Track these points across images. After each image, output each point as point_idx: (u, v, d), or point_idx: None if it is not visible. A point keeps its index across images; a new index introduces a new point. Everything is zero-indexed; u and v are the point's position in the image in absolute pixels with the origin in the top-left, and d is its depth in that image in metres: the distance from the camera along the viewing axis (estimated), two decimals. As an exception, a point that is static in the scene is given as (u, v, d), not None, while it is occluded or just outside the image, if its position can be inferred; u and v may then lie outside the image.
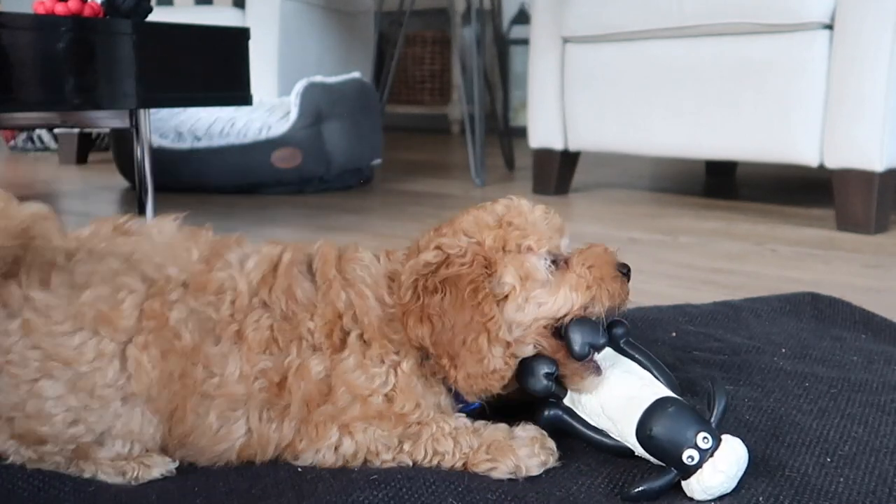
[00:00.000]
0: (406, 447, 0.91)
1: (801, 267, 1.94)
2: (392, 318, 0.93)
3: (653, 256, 2.07)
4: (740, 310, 1.49)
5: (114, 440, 0.89)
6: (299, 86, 3.18)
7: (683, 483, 0.86)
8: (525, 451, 0.89)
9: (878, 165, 2.26)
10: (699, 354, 1.28)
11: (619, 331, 0.97)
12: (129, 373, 0.87)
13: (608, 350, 0.96)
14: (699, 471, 0.84)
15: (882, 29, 2.21)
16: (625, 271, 0.96)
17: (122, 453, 0.89)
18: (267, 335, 0.91)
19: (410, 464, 0.91)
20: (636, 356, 0.97)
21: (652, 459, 0.89)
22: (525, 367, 0.93)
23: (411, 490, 0.84)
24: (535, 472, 0.89)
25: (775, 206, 2.80)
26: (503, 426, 0.93)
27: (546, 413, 0.95)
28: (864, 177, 2.29)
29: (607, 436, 0.93)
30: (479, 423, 0.93)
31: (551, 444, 0.92)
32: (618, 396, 0.92)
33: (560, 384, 0.95)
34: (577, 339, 0.91)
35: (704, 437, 0.84)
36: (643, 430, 0.87)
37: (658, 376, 0.96)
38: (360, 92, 3.41)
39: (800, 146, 2.39)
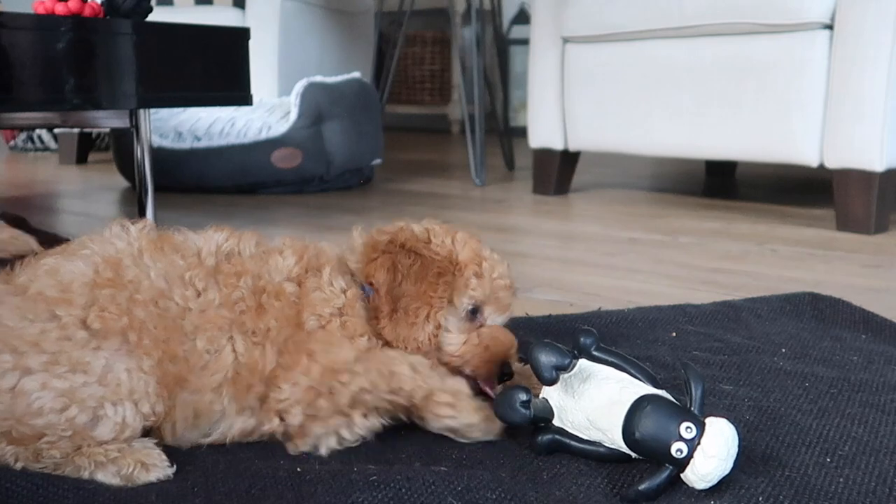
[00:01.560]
0: (359, 368, 0.94)
1: (801, 267, 1.94)
2: (344, 263, 1.06)
3: (653, 256, 2.07)
4: (740, 310, 1.49)
5: (106, 410, 0.89)
6: (299, 86, 3.18)
7: (682, 476, 0.86)
8: (481, 416, 0.96)
9: (878, 165, 2.26)
10: (699, 354, 1.28)
11: (587, 340, 0.97)
12: (97, 329, 0.91)
13: (583, 361, 0.96)
14: (691, 461, 0.84)
15: (882, 29, 2.21)
16: (505, 371, 1.04)
17: (118, 423, 0.90)
18: (240, 268, 1.00)
19: (368, 387, 0.93)
20: (610, 360, 0.97)
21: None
22: (500, 402, 0.95)
23: (411, 490, 0.84)
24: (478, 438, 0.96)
25: (775, 206, 2.80)
26: (463, 380, 1.00)
27: (541, 439, 0.95)
28: (864, 177, 2.29)
29: (602, 446, 0.93)
30: (442, 370, 1.01)
31: (498, 426, 0.97)
32: (601, 406, 0.92)
33: (547, 408, 0.96)
34: (544, 364, 0.92)
35: (687, 427, 0.84)
36: (629, 436, 0.88)
37: (635, 374, 0.96)
38: (360, 92, 3.41)
39: (800, 146, 2.39)
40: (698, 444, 0.84)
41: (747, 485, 0.87)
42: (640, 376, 0.95)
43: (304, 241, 1.09)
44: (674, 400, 0.90)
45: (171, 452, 0.94)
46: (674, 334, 1.37)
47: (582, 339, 0.96)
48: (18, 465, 0.89)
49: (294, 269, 1.03)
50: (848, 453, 0.95)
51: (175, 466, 0.92)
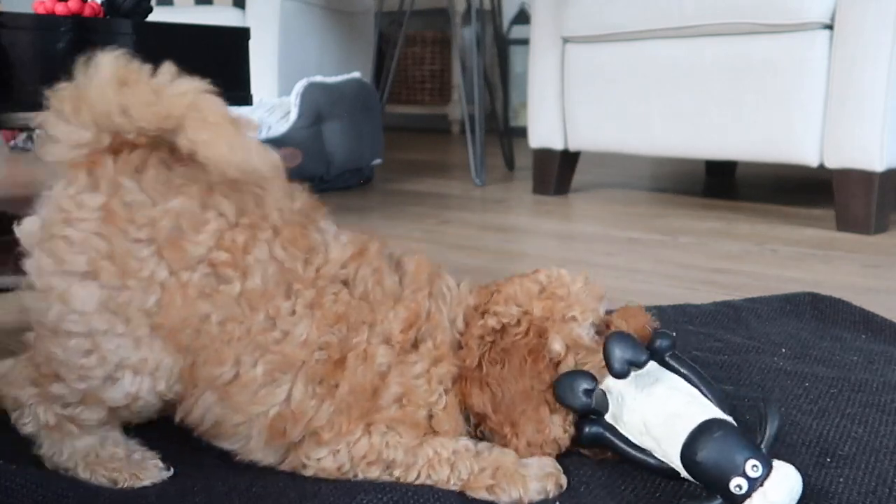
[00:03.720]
0: (397, 473, 0.88)
1: (801, 267, 1.94)
2: (458, 347, 0.94)
3: (653, 256, 2.07)
4: (740, 310, 1.49)
5: (125, 374, 0.84)
6: (299, 86, 3.18)
7: None
8: (536, 486, 0.86)
9: (878, 165, 2.26)
10: (699, 354, 1.28)
11: (664, 343, 0.92)
12: (162, 304, 0.83)
13: (653, 364, 0.91)
14: (748, 500, 0.79)
15: (882, 29, 2.21)
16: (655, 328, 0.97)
17: (132, 393, 0.84)
18: (342, 310, 0.88)
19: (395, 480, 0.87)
20: (682, 370, 0.91)
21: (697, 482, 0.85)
22: (563, 383, 0.89)
23: (416, 493, 0.84)
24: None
25: (775, 206, 2.80)
26: (510, 451, 0.89)
27: (587, 430, 0.90)
28: (864, 177, 2.29)
29: (651, 455, 0.88)
30: (483, 445, 0.90)
31: (564, 480, 0.88)
32: (662, 415, 0.87)
33: (605, 402, 0.90)
34: (617, 357, 0.86)
35: (754, 466, 0.79)
36: (689, 455, 0.82)
37: (706, 392, 0.90)
38: (360, 92, 3.41)
39: (800, 146, 2.39)
40: (761, 485, 0.79)
41: (747, 485, 0.86)
42: (710, 396, 0.89)
43: (431, 286, 0.95)
44: (741, 431, 0.84)
45: (172, 451, 0.94)
46: (674, 334, 1.37)
47: (658, 342, 0.91)
48: (28, 425, 0.88)
49: (399, 336, 0.90)
50: (848, 453, 0.95)
51: (172, 470, 0.91)
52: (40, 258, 0.84)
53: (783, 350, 1.30)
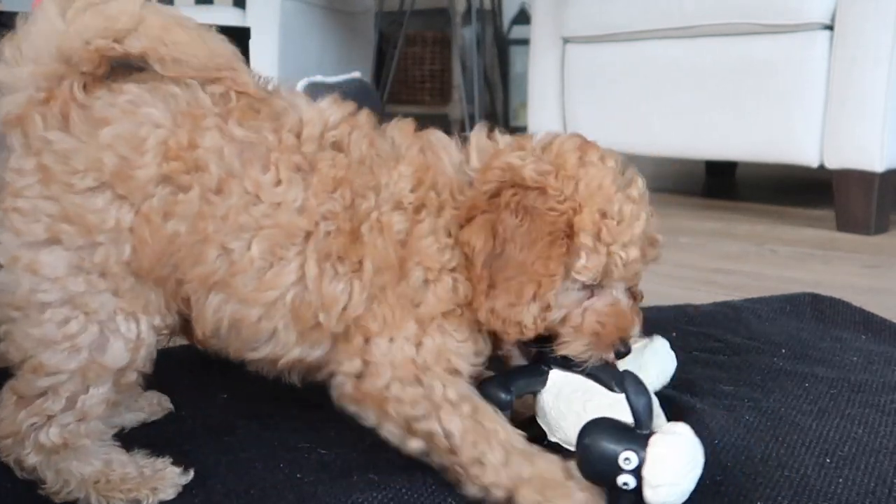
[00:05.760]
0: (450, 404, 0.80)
1: (801, 267, 1.94)
2: (467, 185, 0.86)
3: (653, 256, 2.07)
4: (740, 310, 1.49)
5: (118, 322, 0.79)
6: (300, 85, 3.18)
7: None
8: (581, 497, 0.78)
9: (879, 165, 2.26)
10: (699, 354, 1.28)
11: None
12: (136, 250, 0.80)
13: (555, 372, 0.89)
14: (644, 493, 0.75)
15: (882, 29, 2.21)
16: (619, 352, 0.88)
17: (131, 339, 0.80)
18: (342, 174, 0.81)
19: (455, 434, 0.80)
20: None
21: None
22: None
23: (412, 491, 0.84)
24: None
25: (775, 206, 2.80)
26: (558, 459, 0.82)
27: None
28: (864, 177, 2.29)
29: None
30: (535, 448, 0.83)
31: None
32: (574, 423, 0.83)
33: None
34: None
35: (626, 459, 0.75)
36: (584, 472, 0.79)
37: (601, 378, 0.88)
38: (361, 92, 3.41)
39: (800, 146, 2.39)
40: (640, 476, 0.75)
41: (746, 486, 0.87)
42: (605, 379, 0.88)
43: (422, 141, 0.88)
44: (612, 425, 0.79)
45: (171, 452, 0.93)
46: (674, 334, 1.37)
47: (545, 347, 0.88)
48: (31, 455, 0.81)
49: (410, 196, 0.83)
50: (847, 454, 0.95)
51: (192, 473, 0.88)
52: (1, 235, 0.79)
53: (783, 350, 1.30)
